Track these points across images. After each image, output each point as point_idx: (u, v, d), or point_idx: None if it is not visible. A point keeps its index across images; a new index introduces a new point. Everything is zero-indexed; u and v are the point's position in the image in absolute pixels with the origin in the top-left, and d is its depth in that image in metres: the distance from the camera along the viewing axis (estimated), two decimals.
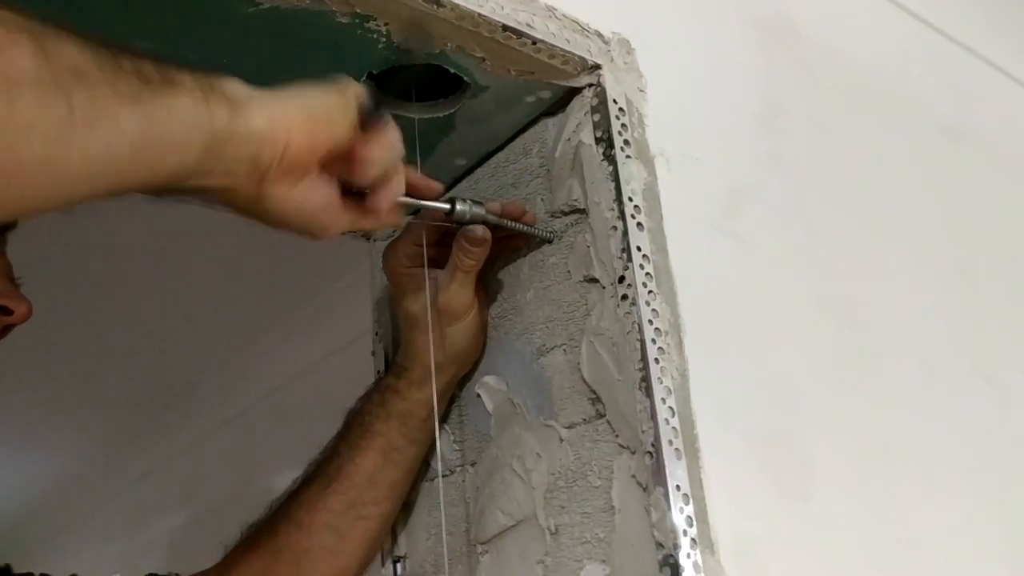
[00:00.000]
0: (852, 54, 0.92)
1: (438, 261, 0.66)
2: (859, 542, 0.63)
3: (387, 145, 0.51)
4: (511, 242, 0.68)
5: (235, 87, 0.45)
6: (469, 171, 0.75)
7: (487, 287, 0.70)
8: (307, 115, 0.47)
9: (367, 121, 0.49)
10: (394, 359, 0.72)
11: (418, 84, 0.66)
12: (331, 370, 2.28)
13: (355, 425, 0.69)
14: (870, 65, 0.94)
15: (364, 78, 0.63)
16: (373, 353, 0.80)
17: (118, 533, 3.40)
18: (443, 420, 0.71)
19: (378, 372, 0.80)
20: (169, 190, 0.44)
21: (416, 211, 0.66)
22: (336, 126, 0.48)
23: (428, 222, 0.65)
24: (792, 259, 0.71)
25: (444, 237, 0.66)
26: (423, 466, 0.72)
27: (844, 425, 0.67)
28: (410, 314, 0.67)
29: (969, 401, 0.81)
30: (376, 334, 0.80)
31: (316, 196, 0.49)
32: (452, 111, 0.67)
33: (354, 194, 0.52)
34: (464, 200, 0.61)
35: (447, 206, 0.61)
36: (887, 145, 0.90)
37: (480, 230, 0.63)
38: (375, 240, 0.85)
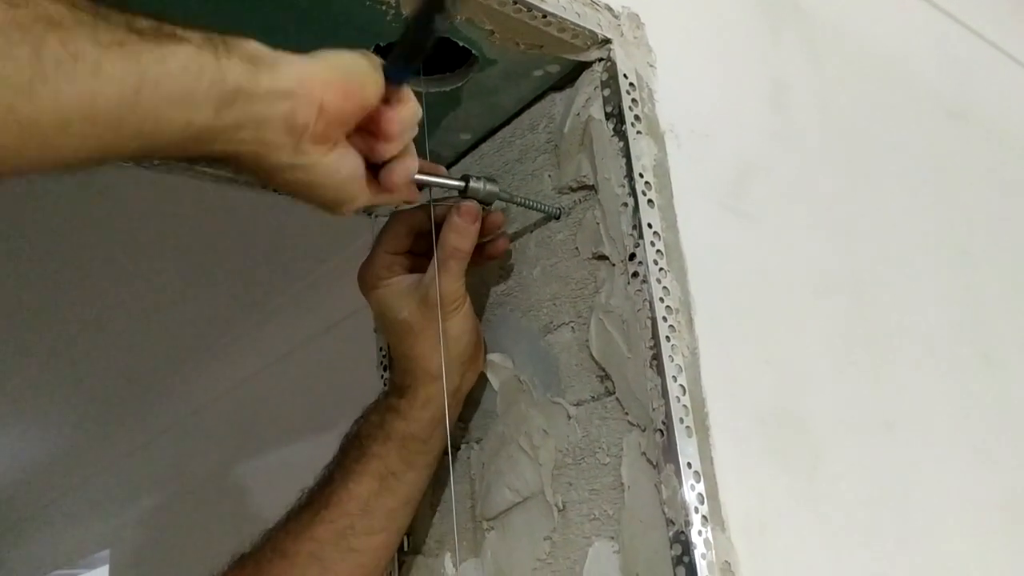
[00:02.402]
0: (858, 35, 0.92)
1: (412, 268, 0.64)
2: (866, 520, 0.63)
3: (411, 115, 0.50)
4: (488, 248, 0.65)
5: (257, 46, 0.43)
6: (474, 146, 0.75)
7: (480, 276, 0.69)
8: (339, 76, 0.45)
9: (390, 90, 0.48)
10: (391, 379, 0.68)
11: (425, 57, 0.65)
12: (322, 348, 2.28)
13: (351, 449, 0.64)
14: (876, 46, 0.94)
15: (371, 50, 0.62)
16: (375, 330, 0.80)
17: (107, 509, 3.40)
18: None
19: (380, 349, 0.79)
20: (191, 156, 0.42)
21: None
22: (367, 90, 0.47)
23: (409, 205, 0.62)
24: (800, 238, 0.71)
25: (413, 242, 0.64)
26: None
27: (850, 404, 0.67)
28: (400, 322, 0.62)
29: (971, 380, 0.82)
30: None
31: (346, 165, 0.48)
32: (459, 85, 0.66)
33: (370, 168, 0.51)
34: (478, 177, 0.61)
35: (461, 183, 0.60)
36: (893, 126, 0.89)
37: (474, 206, 0.61)
38: (376, 216, 0.84)
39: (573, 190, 0.64)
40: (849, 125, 0.83)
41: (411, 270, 0.64)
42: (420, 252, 0.65)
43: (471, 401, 0.69)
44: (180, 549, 2.84)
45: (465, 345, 0.63)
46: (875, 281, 0.76)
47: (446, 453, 0.67)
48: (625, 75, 0.63)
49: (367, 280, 0.65)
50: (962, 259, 0.89)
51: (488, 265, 0.69)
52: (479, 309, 0.69)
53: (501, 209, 0.66)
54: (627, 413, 0.56)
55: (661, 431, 0.53)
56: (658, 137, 0.63)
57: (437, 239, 0.62)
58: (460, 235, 0.61)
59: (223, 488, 2.61)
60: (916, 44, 1.00)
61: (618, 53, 0.63)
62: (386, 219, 0.72)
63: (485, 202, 0.62)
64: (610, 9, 0.65)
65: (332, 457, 0.66)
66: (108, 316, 2.38)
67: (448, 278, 0.61)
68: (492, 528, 0.65)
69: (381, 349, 0.79)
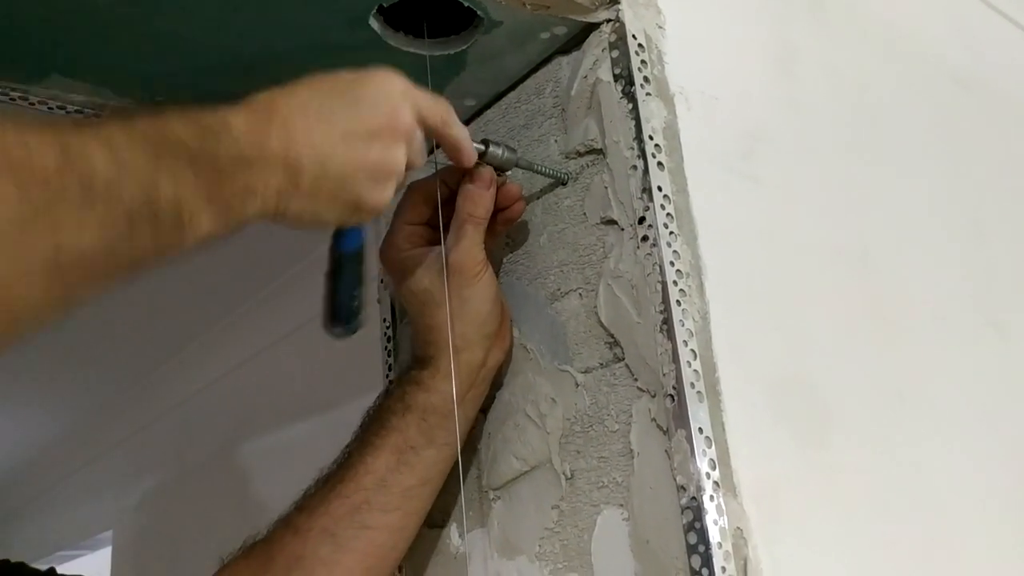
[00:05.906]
0: (866, 1, 0.90)
1: (433, 240, 0.63)
2: (875, 488, 0.62)
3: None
4: (504, 214, 0.64)
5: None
6: (479, 112, 0.73)
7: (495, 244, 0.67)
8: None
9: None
10: (414, 352, 0.66)
11: (429, 19, 0.64)
12: (322, 329, 2.27)
13: (371, 423, 0.63)
14: (884, 11, 0.92)
15: (374, 12, 0.60)
16: (379, 301, 0.79)
17: (109, 491, 3.40)
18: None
19: (384, 320, 0.78)
20: None
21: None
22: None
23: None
24: (808, 204, 0.70)
25: (432, 212, 0.63)
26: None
27: (860, 371, 0.66)
28: (421, 292, 0.61)
29: (980, 349, 0.81)
30: (381, 281, 0.79)
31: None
32: (464, 48, 0.65)
33: None
34: (497, 143, 0.60)
35: (481, 147, 0.59)
36: (901, 93, 0.88)
37: (488, 171, 0.60)
38: None
39: (580, 154, 0.63)
40: (857, 90, 0.82)
41: (432, 242, 0.63)
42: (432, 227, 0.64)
43: None
44: (182, 530, 2.84)
45: (488, 315, 0.61)
46: (885, 249, 0.75)
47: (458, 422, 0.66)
48: (634, 36, 0.62)
49: (388, 253, 0.64)
50: (972, 227, 0.88)
51: (503, 231, 0.67)
52: None
53: (509, 175, 0.65)
54: (636, 379, 0.56)
55: (672, 396, 0.52)
56: (668, 99, 0.61)
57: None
58: (474, 202, 0.60)
59: (224, 469, 2.61)
60: (924, 10, 0.99)
61: (627, 14, 0.62)
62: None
63: (502, 168, 0.61)
64: None
65: (353, 433, 0.64)
66: (108, 298, 2.37)
67: (466, 243, 0.60)
68: (499, 497, 0.64)
69: (385, 320, 0.78)
